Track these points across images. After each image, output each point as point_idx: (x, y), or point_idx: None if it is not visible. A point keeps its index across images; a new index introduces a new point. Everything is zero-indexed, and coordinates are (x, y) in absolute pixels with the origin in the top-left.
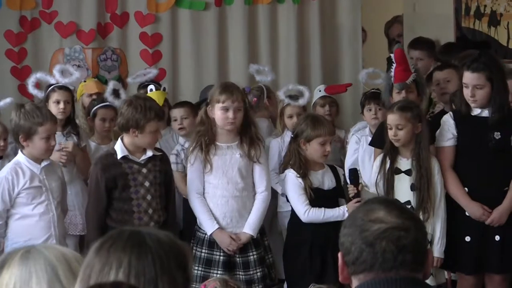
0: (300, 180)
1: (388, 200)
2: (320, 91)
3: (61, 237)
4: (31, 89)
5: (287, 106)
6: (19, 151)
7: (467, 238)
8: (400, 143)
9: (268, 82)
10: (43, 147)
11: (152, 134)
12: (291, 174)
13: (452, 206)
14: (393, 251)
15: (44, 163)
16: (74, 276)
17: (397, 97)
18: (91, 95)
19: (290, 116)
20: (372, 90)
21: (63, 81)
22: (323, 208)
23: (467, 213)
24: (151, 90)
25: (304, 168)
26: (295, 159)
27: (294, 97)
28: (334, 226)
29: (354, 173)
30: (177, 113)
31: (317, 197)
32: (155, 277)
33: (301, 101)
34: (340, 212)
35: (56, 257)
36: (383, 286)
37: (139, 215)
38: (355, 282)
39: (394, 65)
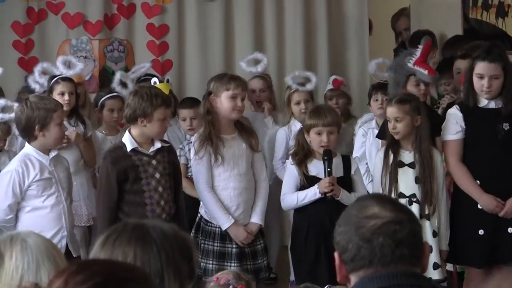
0: (293, 167)
1: (380, 196)
2: (329, 83)
3: (70, 228)
4: (38, 78)
5: (294, 92)
6: (26, 144)
7: (481, 232)
8: (399, 136)
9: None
10: (58, 134)
11: (160, 122)
12: (287, 161)
13: (462, 200)
14: (390, 245)
15: (52, 154)
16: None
17: (414, 89)
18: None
19: (298, 103)
20: (380, 81)
21: (67, 72)
22: (296, 192)
23: (479, 206)
24: (154, 83)
25: (302, 156)
26: (297, 148)
27: (301, 83)
28: (330, 217)
29: (328, 153)
30: (186, 113)
31: (311, 185)
32: (161, 269)
33: (309, 86)
34: (312, 192)
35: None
36: (383, 280)
37: (152, 207)
38: (354, 279)
39: (416, 56)
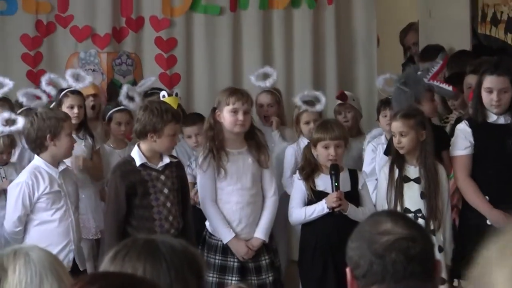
0: (300, 182)
1: (393, 212)
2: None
3: (78, 242)
4: (44, 86)
5: (303, 112)
6: (35, 156)
7: None
8: (404, 151)
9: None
10: (68, 144)
11: (170, 137)
12: (294, 176)
13: (469, 215)
14: (403, 262)
15: (61, 167)
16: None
17: (429, 105)
18: (87, 96)
19: (307, 122)
20: (388, 97)
21: (76, 86)
22: (304, 207)
23: (488, 222)
24: (163, 96)
25: (309, 171)
26: (304, 162)
27: (310, 103)
28: (338, 231)
29: (335, 168)
30: (190, 131)
31: (318, 200)
32: (170, 284)
33: (318, 107)
34: (320, 207)
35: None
36: None
37: (160, 222)
38: None
39: (434, 70)
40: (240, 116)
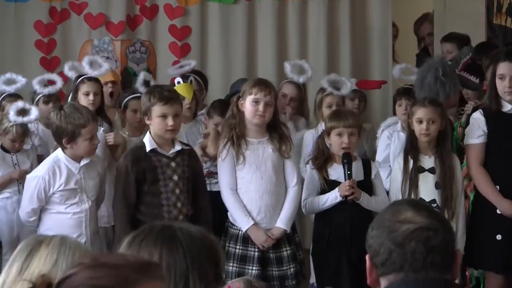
0: (313, 172)
1: (415, 201)
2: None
3: (92, 234)
4: (67, 71)
5: (327, 96)
6: (59, 149)
7: (498, 237)
8: (429, 138)
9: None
10: (87, 148)
11: (159, 119)
12: (307, 166)
13: (481, 204)
14: (422, 252)
15: (83, 162)
16: None
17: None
18: (106, 83)
19: (330, 106)
20: (405, 86)
21: (93, 73)
22: (317, 197)
23: (498, 211)
24: (178, 82)
25: (321, 160)
26: (317, 152)
27: (336, 86)
28: (352, 221)
29: (347, 156)
30: (220, 121)
31: (331, 190)
32: (186, 271)
33: (343, 91)
34: (333, 195)
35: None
36: (413, 286)
37: (168, 209)
38: (383, 283)
39: (464, 61)
40: (261, 107)
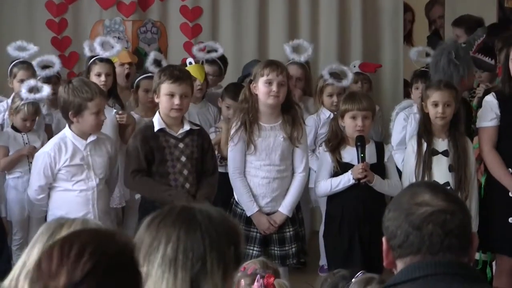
0: (327, 154)
1: (433, 184)
2: (354, 66)
3: (101, 213)
4: (87, 52)
5: (328, 85)
6: (67, 125)
7: (511, 220)
8: (445, 121)
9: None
10: (93, 122)
11: (167, 97)
12: (321, 148)
13: (493, 187)
14: (440, 235)
15: (90, 139)
16: None
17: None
18: (123, 64)
19: (330, 95)
20: (422, 69)
21: (104, 54)
22: (330, 179)
23: (510, 194)
24: (190, 63)
25: (335, 143)
26: (331, 134)
27: (337, 77)
28: (364, 204)
29: (361, 139)
30: (232, 104)
31: (344, 172)
32: (204, 253)
33: (344, 83)
34: (346, 178)
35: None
36: (430, 268)
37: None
38: (400, 265)
39: (478, 42)
40: (274, 87)
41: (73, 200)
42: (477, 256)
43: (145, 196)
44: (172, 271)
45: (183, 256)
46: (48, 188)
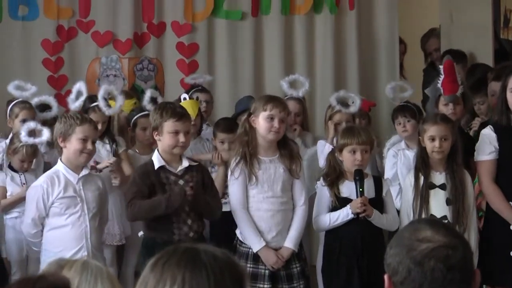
0: (325, 188)
1: (433, 220)
2: (353, 103)
3: (94, 249)
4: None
5: (336, 113)
6: (59, 160)
7: None
8: (443, 155)
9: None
10: (78, 147)
11: (171, 135)
12: (318, 183)
13: (493, 221)
14: (442, 270)
15: (82, 173)
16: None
17: (444, 109)
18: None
19: (339, 123)
20: (401, 104)
21: (108, 111)
22: (328, 213)
23: (511, 227)
24: (184, 99)
25: (333, 177)
26: (329, 169)
27: (344, 103)
28: (362, 238)
29: (359, 173)
30: (224, 137)
31: (343, 207)
32: None
33: (352, 109)
34: (345, 212)
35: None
36: None
37: (179, 225)
38: None
39: (442, 76)
40: (276, 123)
41: (66, 235)
42: None
43: (147, 218)
44: None
45: None
46: (41, 225)
